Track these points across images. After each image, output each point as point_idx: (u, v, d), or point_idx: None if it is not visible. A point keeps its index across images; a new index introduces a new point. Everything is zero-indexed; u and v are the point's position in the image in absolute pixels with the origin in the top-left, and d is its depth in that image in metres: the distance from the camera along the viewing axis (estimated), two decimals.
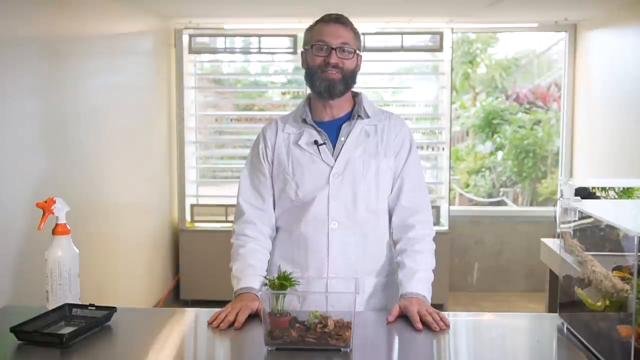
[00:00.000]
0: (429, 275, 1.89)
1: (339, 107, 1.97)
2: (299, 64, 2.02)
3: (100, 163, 3.42)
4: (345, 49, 1.90)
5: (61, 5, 2.97)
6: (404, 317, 1.75)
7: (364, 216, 1.93)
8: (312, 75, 1.93)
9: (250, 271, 1.88)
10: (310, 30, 1.97)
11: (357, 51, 1.94)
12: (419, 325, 1.68)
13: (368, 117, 1.97)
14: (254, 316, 1.74)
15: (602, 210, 1.71)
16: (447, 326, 1.69)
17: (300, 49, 2.05)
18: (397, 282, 2.00)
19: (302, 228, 1.93)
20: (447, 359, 1.55)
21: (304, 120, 1.97)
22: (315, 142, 1.94)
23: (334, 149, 1.94)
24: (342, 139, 1.95)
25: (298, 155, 1.95)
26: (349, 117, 1.98)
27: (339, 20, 1.93)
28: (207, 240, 4.73)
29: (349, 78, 1.93)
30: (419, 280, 1.85)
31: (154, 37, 4.37)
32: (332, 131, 1.97)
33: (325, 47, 1.90)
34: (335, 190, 1.91)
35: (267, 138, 2.01)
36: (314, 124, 1.96)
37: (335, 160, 1.92)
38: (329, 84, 1.90)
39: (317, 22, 1.96)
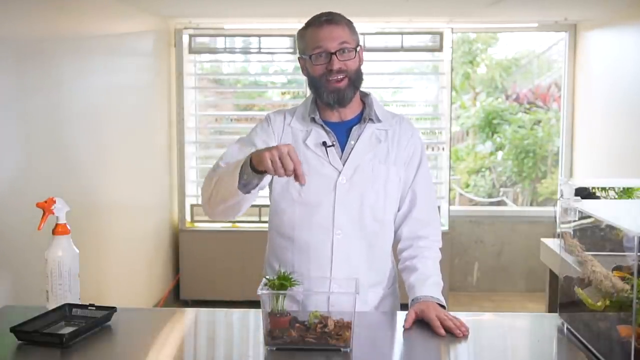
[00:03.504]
0: (441, 281, 1.82)
1: (348, 109, 1.87)
2: (299, 65, 1.92)
3: (100, 163, 3.42)
4: (346, 50, 1.79)
5: (61, 5, 2.97)
6: (419, 321, 1.69)
7: (370, 225, 1.83)
8: (317, 85, 1.83)
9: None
10: (302, 37, 1.85)
11: (357, 47, 1.83)
12: (441, 331, 1.61)
13: (379, 120, 1.88)
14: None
15: (602, 210, 1.70)
16: (468, 332, 1.62)
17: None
18: (397, 291, 1.97)
19: (305, 235, 1.83)
20: (447, 359, 1.55)
21: (313, 119, 1.86)
22: (324, 143, 1.83)
23: (342, 152, 1.84)
24: (352, 142, 1.84)
25: (305, 155, 1.82)
26: (359, 119, 1.88)
27: (332, 20, 1.80)
28: (207, 240, 4.73)
29: (356, 79, 1.84)
30: (433, 284, 1.78)
31: (154, 37, 4.37)
32: (341, 133, 1.86)
33: (324, 53, 1.79)
34: (341, 197, 1.81)
35: (273, 125, 1.87)
36: (323, 124, 1.86)
37: (344, 165, 1.82)
38: (337, 95, 1.80)
39: (307, 25, 1.84)
